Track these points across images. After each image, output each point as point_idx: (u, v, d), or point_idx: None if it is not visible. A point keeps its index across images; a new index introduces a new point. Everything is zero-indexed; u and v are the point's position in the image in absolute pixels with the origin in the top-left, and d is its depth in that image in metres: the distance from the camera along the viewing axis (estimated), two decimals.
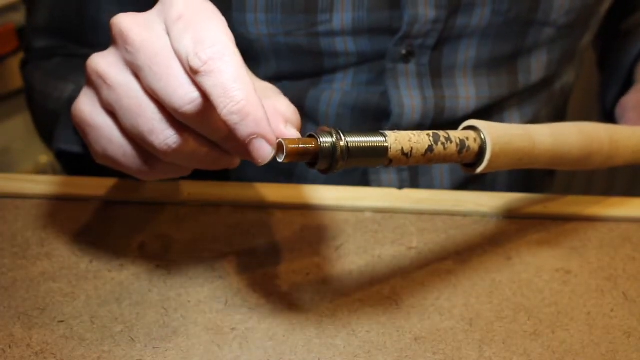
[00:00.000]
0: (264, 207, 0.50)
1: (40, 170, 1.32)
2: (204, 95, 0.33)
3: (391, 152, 0.35)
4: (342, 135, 0.34)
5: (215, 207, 0.50)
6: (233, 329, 0.39)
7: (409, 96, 0.56)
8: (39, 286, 0.42)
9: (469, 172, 0.40)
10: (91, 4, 0.57)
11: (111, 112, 0.37)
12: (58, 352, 0.37)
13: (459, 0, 0.53)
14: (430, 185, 0.61)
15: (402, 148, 0.36)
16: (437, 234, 0.48)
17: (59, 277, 0.43)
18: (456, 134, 0.38)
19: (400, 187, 0.59)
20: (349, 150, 0.34)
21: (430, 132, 0.37)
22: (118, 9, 0.56)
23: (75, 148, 0.52)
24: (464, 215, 0.50)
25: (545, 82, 0.61)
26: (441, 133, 0.37)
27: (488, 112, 0.59)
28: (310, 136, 0.34)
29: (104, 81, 0.36)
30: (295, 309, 0.41)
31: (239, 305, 0.41)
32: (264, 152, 0.32)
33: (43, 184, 0.51)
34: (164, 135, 0.35)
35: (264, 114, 0.32)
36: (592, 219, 0.50)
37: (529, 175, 0.66)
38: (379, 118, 0.57)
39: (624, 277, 0.44)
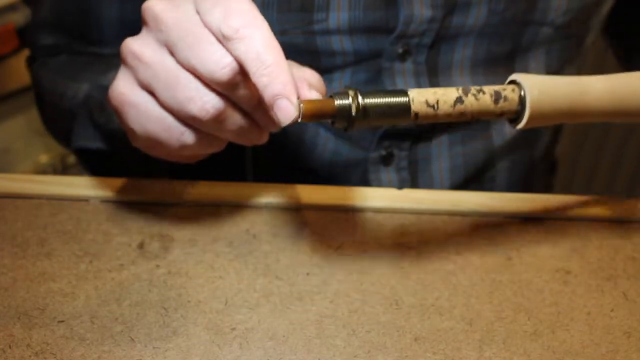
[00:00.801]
0: (264, 207, 0.50)
1: (40, 170, 1.32)
2: (237, 60, 0.36)
3: (414, 105, 0.35)
4: (359, 95, 0.35)
5: (215, 207, 0.50)
6: (233, 329, 0.39)
7: None
8: (39, 286, 0.42)
9: (516, 127, 0.38)
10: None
11: (149, 90, 0.39)
12: (58, 352, 0.37)
13: None
14: (430, 184, 0.60)
15: (427, 100, 0.35)
16: (437, 234, 0.48)
17: (59, 277, 0.43)
18: (491, 87, 0.37)
19: (400, 187, 0.59)
20: (366, 110, 0.35)
21: (460, 87, 0.37)
22: (118, 3, 0.57)
23: (96, 144, 0.54)
24: (464, 215, 0.50)
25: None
26: (472, 87, 0.37)
27: None
28: (331, 97, 0.35)
29: (140, 60, 0.38)
30: (295, 309, 0.41)
31: (239, 305, 0.41)
32: (288, 111, 0.35)
33: (43, 184, 0.51)
34: (202, 101, 0.37)
35: (291, 77, 0.35)
36: (592, 219, 0.50)
37: (529, 175, 0.66)
38: None
39: (624, 277, 0.44)
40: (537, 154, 0.67)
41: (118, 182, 0.51)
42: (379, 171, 0.59)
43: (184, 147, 0.40)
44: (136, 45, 0.39)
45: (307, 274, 0.44)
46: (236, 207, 0.49)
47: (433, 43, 0.55)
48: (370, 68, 0.56)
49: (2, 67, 1.20)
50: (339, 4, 0.53)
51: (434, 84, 0.57)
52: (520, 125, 0.38)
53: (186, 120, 0.39)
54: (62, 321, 0.39)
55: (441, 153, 0.60)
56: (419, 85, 0.56)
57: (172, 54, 0.38)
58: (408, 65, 0.56)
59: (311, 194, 0.50)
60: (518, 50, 0.58)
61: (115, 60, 0.52)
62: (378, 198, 0.50)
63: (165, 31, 0.38)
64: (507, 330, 0.40)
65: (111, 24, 0.58)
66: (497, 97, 0.37)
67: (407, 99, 0.35)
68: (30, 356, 0.37)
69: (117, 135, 0.50)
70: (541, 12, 0.55)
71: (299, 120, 0.35)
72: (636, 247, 0.47)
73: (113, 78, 0.42)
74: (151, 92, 0.39)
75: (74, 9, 0.59)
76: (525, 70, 0.59)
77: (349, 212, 0.50)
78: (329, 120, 0.36)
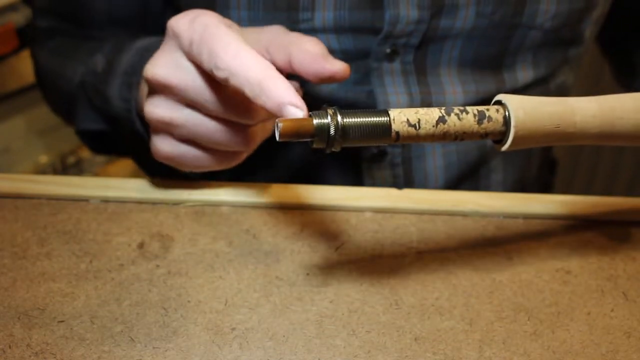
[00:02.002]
0: (264, 207, 0.50)
1: (40, 170, 1.32)
2: (237, 89, 0.39)
3: (395, 124, 0.34)
4: (338, 114, 0.34)
5: (215, 207, 0.50)
6: (233, 329, 0.39)
7: (395, 94, 0.57)
8: (39, 286, 0.42)
9: (500, 149, 0.37)
10: None
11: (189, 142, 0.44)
12: (58, 352, 0.37)
13: (442, 1, 0.53)
14: (424, 181, 0.60)
15: (408, 119, 0.35)
16: (437, 234, 0.48)
17: (59, 277, 0.43)
18: (475, 107, 0.36)
19: (394, 183, 0.59)
20: (345, 130, 0.34)
21: (443, 107, 0.36)
22: None
23: (99, 126, 0.57)
24: (464, 215, 0.50)
25: (538, 82, 0.61)
26: (456, 107, 0.36)
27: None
28: (309, 116, 0.35)
29: (171, 124, 0.43)
30: (295, 309, 0.41)
31: (239, 305, 0.41)
32: (297, 113, 0.36)
33: (43, 184, 0.51)
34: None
35: (287, 87, 0.37)
36: (592, 219, 0.50)
37: (524, 171, 0.66)
38: None
39: (624, 277, 0.44)
40: (533, 151, 0.67)
41: (118, 182, 0.51)
42: (372, 168, 0.59)
43: (238, 143, 0.44)
44: (160, 113, 0.43)
45: (307, 274, 0.44)
46: (236, 207, 0.49)
47: (421, 44, 0.55)
48: (358, 68, 0.56)
49: (2, 67, 1.20)
50: (324, 4, 0.53)
51: (422, 83, 0.57)
52: (505, 147, 0.37)
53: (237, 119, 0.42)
54: (62, 321, 0.39)
55: (435, 150, 0.60)
56: (407, 84, 0.57)
57: (193, 106, 0.42)
58: (396, 65, 0.56)
59: (311, 194, 0.50)
60: (506, 53, 0.58)
61: (102, 45, 0.56)
62: (378, 198, 0.50)
63: (180, 94, 0.42)
64: (507, 330, 0.40)
65: (101, 14, 0.60)
66: (480, 117, 0.36)
67: (388, 119, 0.35)
68: (30, 356, 0.37)
69: (118, 118, 0.52)
70: (529, 16, 0.55)
71: (277, 139, 0.34)
72: (636, 247, 0.47)
73: (99, 63, 0.51)
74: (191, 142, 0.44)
75: None
76: (513, 71, 0.59)
77: (349, 212, 0.50)
78: (308, 140, 0.35)
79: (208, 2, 0.55)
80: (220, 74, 0.39)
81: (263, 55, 0.45)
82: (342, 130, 0.34)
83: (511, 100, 0.36)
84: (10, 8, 1.17)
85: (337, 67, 0.42)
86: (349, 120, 0.34)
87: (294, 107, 0.36)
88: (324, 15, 0.53)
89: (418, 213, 0.50)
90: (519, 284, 0.43)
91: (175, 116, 0.43)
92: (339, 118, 0.34)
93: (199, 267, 0.44)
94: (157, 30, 0.58)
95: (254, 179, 0.54)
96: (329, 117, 0.34)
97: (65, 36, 0.63)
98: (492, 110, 0.36)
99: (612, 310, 0.42)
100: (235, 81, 0.38)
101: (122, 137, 0.57)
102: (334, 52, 0.55)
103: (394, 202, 0.50)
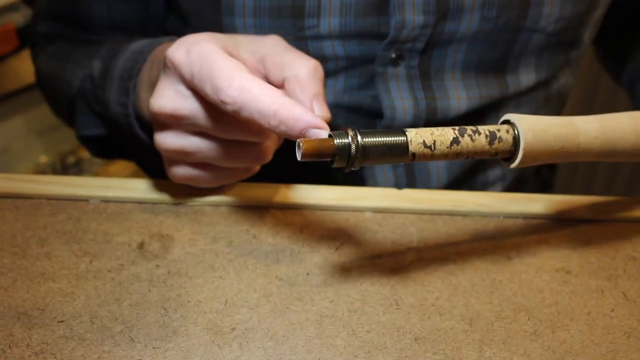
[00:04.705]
0: (264, 207, 0.50)
1: (40, 170, 1.32)
2: (247, 120, 0.40)
3: (412, 146, 0.36)
4: (358, 135, 0.36)
5: (215, 207, 0.50)
6: (233, 329, 0.39)
7: (400, 98, 0.57)
8: (39, 286, 0.42)
9: (510, 167, 0.40)
10: None
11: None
12: (58, 352, 0.37)
13: (447, 6, 0.53)
14: (426, 182, 0.60)
15: (424, 141, 0.36)
16: (437, 234, 0.48)
17: (59, 277, 0.43)
18: (486, 127, 0.38)
19: (396, 184, 0.59)
20: (365, 150, 0.36)
21: (457, 127, 0.37)
22: (107, 3, 0.58)
23: (99, 131, 0.57)
24: (464, 215, 0.50)
25: (540, 85, 0.61)
26: (468, 127, 0.37)
27: (482, 112, 0.59)
28: (330, 136, 0.36)
29: (184, 152, 0.44)
30: (295, 309, 0.41)
31: (239, 305, 0.41)
32: (320, 134, 0.38)
33: (43, 184, 0.51)
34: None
35: (302, 109, 0.38)
36: (592, 219, 0.50)
37: (524, 170, 0.66)
38: (373, 117, 0.58)
39: (624, 277, 0.44)
40: None
41: (118, 182, 0.51)
42: (374, 168, 0.59)
43: (261, 155, 0.45)
44: (171, 144, 0.44)
45: (307, 274, 0.44)
46: (236, 207, 0.50)
47: (425, 48, 0.55)
48: (363, 73, 0.56)
49: (2, 67, 1.20)
50: (330, 10, 0.53)
51: (426, 87, 0.57)
52: (513, 165, 0.39)
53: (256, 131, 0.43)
54: (62, 321, 0.39)
55: None
56: (412, 89, 0.57)
57: (207, 136, 0.43)
58: (401, 69, 0.56)
59: (311, 194, 0.50)
60: (510, 57, 0.58)
61: (99, 48, 0.57)
62: (378, 198, 0.50)
63: (189, 123, 0.42)
64: (507, 330, 0.40)
65: (101, 19, 0.60)
66: (492, 137, 0.37)
67: (405, 140, 0.36)
68: (30, 356, 0.37)
69: (117, 122, 0.52)
70: (533, 20, 0.55)
71: (299, 159, 0.35)
72: (636, 247, 0.47)
73: (96, 68, 0.52)
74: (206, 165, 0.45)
75: (67, 1, 0.61)
76: (516, 74, 0.59)
77: (349, 212, 0.50)
78: (328, 160, 0.36)
79: (214, 9, 0.54)
80: (228, 108, 0.39)
81: (258, 69, 0.45)
82: (363, 150, 0.36)
83: (521, 122, 0.38)
84: (10, 8, 1.17)
85: (317, 121, 0.39)
86: (369, 140, 0.36)
87: (316, 129, 0.37)
88: (330, 21, 0.53)
89: (418, 213, 0.50)
90: (519, 284, 0.43)
91: (186, 145, 0.43)
92: (360, 138, 0.36)
93: (199, 267, 0.44)
94: (158, 34, 0.58)
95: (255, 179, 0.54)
96: (349, 138, 0.36)
97: (65, 40, 0.63)
98: (502, 131, 0.38)
99: (612, 310, 0.42)
100: (246, 114, 0.38)
101: (123, 141, 0.57)
102: (338, 59, 0.55)
103: (394, 202, 0.50)
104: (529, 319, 0.41)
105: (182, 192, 0.50)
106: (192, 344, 0.38)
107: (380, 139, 0.36)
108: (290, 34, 0.54)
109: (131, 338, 0.38)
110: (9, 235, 0.46)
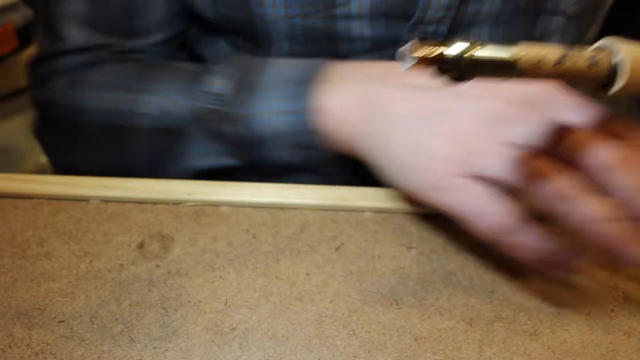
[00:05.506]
0: (264, 206, 0.50)
1: (40, 170, 1.32)
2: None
3: (521, 62, 0.35)
4: (470, 47, 0.35)
5: (215, 207, 0.50)
6: (233, 329, 0.39)
7: None
8: (39, 286, 0.42)
9: (605, 94, 0.39)
10: None
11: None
12: (58, 352, 0.37)
13: None
14: None
15: (532, 58, 0.36)
16: (437, 234, 0.48)
17: (59, 277, 0.43)
18: (587, 51, 0.37)
19: None
20: (476, 62, 0.35)
21: (561, 47, 0.37)
22: None
23: (222, 160, 0.51)
24: None
25: None
26: (572, 50, 0.37)
27: None
28: (441, 44, 0.35)
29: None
30: (295, 309, 0.41)
31: (239, 305, 0.41)
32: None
33: (43, 184, 0.51)
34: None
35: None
36: None
37: None
38: None
39: (624, 277, 0.44)
40: None
41: (118, 182, 0.51)
42: None
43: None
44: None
45: (307, 274, 0.44)
46: (236, 207, 0.49)
47: (449, 31, 0.55)
48: (385, 57, 0.56)
49: (2, 67, 1.20)
50: None
51: None
52: (612, 92, 0.38)
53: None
54: (62, 321, 0.39)
55: None
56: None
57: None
58: None
59: (311, 194, 0.50)
60: (532, 40, 0.58)
61: (167, 70, 0.52)
62: (378, 198, 0.50)
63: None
64: (507, 330, 0.40)
65: (157, 10, 0.55)
66: (592, 62, 0.37)
67: (514, 56, 0.35)
68: (30, 356, 0.37)
69: (252, 143, 0.48)
70: (553, 1, 0.56)
71: (404, 68, 0.34)
72: None
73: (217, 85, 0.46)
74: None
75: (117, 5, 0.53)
76: None
77: (349, 212, 0.50)
78: (438, 68, 0.35)
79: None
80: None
81: None
82: (475, 63, 0.35)
83: (621, 47, 0.37)
84: (10, 8, 1.17)
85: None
86: (481, 53, 0.35)
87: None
88: (361, 0, 0.53)
89: (418, 213, 0.50)
90: (519, 284, 0.43)
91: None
92: (472, 50, 0.35)
93: (199, 267, 0.44)
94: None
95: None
96: (462, 48, 0.34)
97: (117, 60, 0.54)
98: (602, 56, 0.37)
99: (612, 310, 0.42)
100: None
101: (251, 169, 0.51)
102: (365, 39, 0.55)
103: (394, 202, 0.50)
104: (529, 319, 0.41)
105: (182, 192, 0.50)
106: (192, 344, 0.38)
107: (491, 53, 0.35)
108: (320, 11, 0.53)
109: (131, 338, 0.38)
110: (9, 235, 0.46)
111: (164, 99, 0.51)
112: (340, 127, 0.46)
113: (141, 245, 0.46)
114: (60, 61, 0.54)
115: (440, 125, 0.42)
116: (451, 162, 0.40)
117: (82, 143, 0.55)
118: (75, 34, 0.53)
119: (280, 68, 0.49)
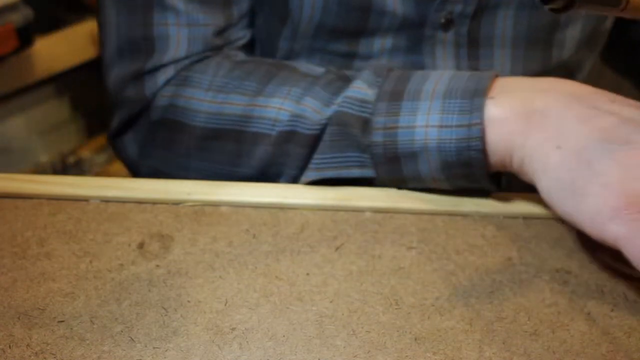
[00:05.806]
0: (264, 206, 0.50)
1: (40, 170, 1.33)
2: None
3: None
4: None
5: (215, 207, 0.50)
6: (233, 329, 0.39)
7: (444, 67, 0.57)
8: (39, 286, 0.42)
9: None
10: None
11: None
12: (58, 352, 0.37)
13: None
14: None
15: None
16: (437, 234, 0.48)
17: (59, 277, 0.43)
18: None
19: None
20: None
21: None
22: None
23: (354, 171, 0.49)
24: (464, 215, 0.50)
25: (571, 68, 0.62)
26: None
27: None
28: None
29: None
30: (295, 309, 0.41)
31: (239, 305, 0.41)
32: None
33: (43, 184, 0.51)
34: None
35: None
36: None
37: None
38: None
39: (623, 277, 0.44)
40: None
41: (118, 182, 0.51)
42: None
43: None
44: None
45: (307, 274, 0.44)
46: (236, 207, 0.49)
47: (475, 13, 0.55)
48: (411, 36, 0.56)
49: (2, 67, 1.20)
50: None
51: (473, 56, 0.57)
52: None
53: None
54: (62, 321, 0.39)
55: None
56: (457, 57, 0.57)
57: None
58: (450, 35, 0.56)
59: (311, 194, 0.50)
60: (557, 25, 0.58)
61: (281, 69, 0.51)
62: (378, 198, 0.50)
63: None
64: (507, 330, 0.40)
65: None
66: None
67: None
68: (30, 356, 0.37)
69: (398, 155, 0.47)
70: None
71: None
72: None
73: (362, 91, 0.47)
74: None
75: None
76: (561, 45, 0.59)
77: (349, 212, 0.50)
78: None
79: None
80: None
81: None
82: None
83: None
84: (10, 8, 1.17)
85: None
86: None
87: None
88: None
89: (418, 213, 0.50)
90: (519, 284, 0.43)
91: None
92: None
93: (199, 267, 0.44)
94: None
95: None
96: None
97: (209, 56, 0.52)
98: None
99: (612, 310, 0.42)
100: None
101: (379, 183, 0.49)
102: (396, 16, 0.55)
103: (394, 202, 0.50)
104: (529, 319, 0.41)
105: (182, 192, 0.50)
106: (192, 344, 0.38)
107: None
108: None
109: (131, 338, 0.38)
110: (9, 235, 0.46)
111: (294, 104, 0.49)
112: (506, 141, 0.44)
113: (141, 245, 0.46)
114: (163, 57, 0.52)
115: (624, 154, 0.40)
116: (632, 195, 0.38)
117: (184, 146, 0.52)
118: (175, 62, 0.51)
119: (435, 79, 0.47)
